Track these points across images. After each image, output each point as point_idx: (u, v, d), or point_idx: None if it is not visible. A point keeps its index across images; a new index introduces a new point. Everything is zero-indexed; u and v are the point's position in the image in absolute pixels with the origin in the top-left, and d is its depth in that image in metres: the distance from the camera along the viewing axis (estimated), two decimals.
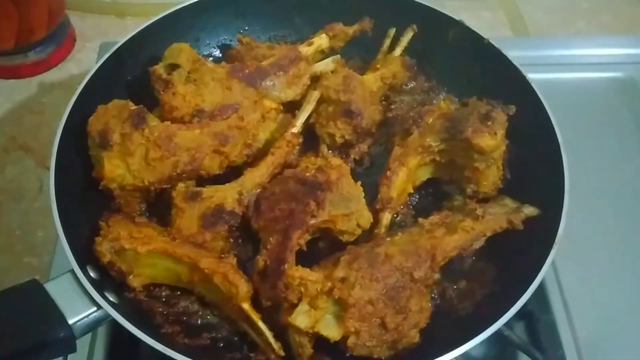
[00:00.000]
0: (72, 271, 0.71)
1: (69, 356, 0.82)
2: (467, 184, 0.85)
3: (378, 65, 1.00)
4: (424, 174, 0.88)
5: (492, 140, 0.80)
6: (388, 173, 0.84)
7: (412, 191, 0.86)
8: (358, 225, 0.77)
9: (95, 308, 0.69)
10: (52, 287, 0.69)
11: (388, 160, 0.85)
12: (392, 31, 1.03)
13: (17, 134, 1.15)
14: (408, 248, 0.74)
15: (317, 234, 0.78)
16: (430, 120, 0.87)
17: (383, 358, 0.70)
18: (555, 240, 0.75)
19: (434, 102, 0.98)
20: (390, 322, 0.69)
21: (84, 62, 1.27)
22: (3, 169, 1.11)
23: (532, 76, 0.91)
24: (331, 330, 0.69)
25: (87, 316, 0.69)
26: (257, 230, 0.77)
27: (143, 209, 0.85)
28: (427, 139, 0.85)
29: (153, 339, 0.67)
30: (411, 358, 0.72)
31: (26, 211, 1.05)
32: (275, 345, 0.71)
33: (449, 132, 0.84)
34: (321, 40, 0.99)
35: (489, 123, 0.81)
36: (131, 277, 0.75)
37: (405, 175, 0.84)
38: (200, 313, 0.79)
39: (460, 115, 0.85)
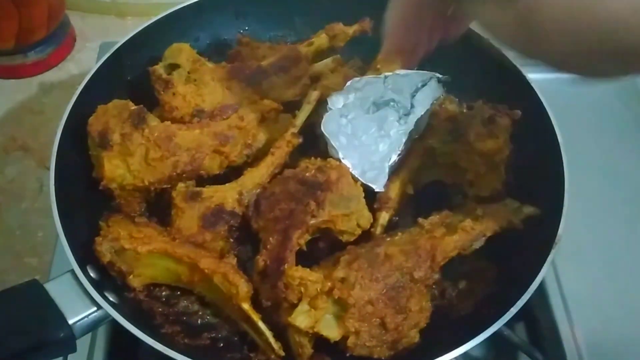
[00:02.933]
0: (72, 271, 0.71)
1: (69, 356, 0.82)
2: (468, 187, 0.85)
3: (378, 66, 1.00)
4: (427, 177, 0.88)
5: (494, 144, 0.80)
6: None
7: (412, 192, 0.85)
8: (358, 226, 0.77)
9: (95, 308, 0.69)
10: (52, 287, 0.69)
11: None
12: None
13: (17, 134, 1.15)
14: (408, 248, 0.74)
15: (317, 234, 0.78)
16: (435, 122, 0.87)
17: (383, 358, 0.70)
18: (555, 240, 0.75)
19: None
20: (390, 322, 0.69)
21: (84, 62, 1.27)
22: (3, 169, 1.11)
23: (532, 76, 0.91)
24: (331, 330, 0.69)
25: (87, 316, 0.69)
26: (257, 230, 0.77)
27: (143, 209, 0.85)
28: (430, 141, 0.85)
29: (153, 339, 0.67)
30: (411, 358, 0.72)
31: (26, 211, 1.05)
32: (276, 345, 0.71)
33: (452, 135, 0.84)
34: (321, 41, 0.99)
35: (492, 127, 0.81)
36: (131, 277, 0.75)
37: (405, 176, 0.84)
38: (200, 313, 0.79)
39: (465, 118, 0.85)
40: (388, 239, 0.76)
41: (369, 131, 0.84)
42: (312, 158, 0.81)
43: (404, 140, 0.84)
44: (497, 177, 0.84)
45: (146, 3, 1.38)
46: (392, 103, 0.85)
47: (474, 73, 0.98)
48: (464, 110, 0.91)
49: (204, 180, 0.83)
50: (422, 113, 0.86)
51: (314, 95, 0.88)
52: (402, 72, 0.86)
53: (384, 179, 0.82)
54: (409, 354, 0.72)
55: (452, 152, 0.85)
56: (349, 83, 0.84)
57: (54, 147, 0.80)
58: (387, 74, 0.86)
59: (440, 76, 0.89)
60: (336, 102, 0.83)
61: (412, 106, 0.86)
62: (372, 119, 0.84)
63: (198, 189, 0.80)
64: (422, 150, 0.85)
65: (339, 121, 0.83)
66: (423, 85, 0.87)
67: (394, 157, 0.83)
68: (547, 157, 0.84)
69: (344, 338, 0.69)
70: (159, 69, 0.86)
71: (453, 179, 0.87)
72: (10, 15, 1.13)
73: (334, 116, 0.83)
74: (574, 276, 0.93)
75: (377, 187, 0.82)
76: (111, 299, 0.72)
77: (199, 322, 0.78)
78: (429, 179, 0.88)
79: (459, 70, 0.99)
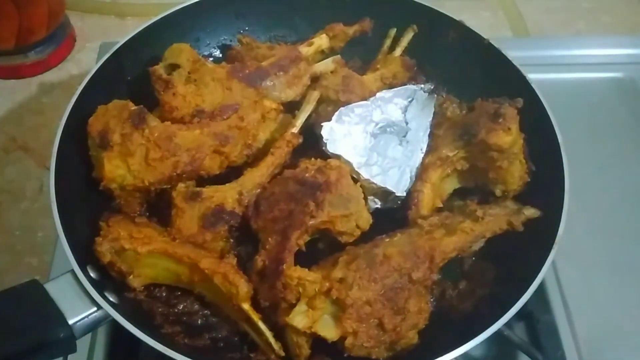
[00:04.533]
0: (72, 271, 0.71)
1: (69, 356, 0.82)
2: (494, 186, 0.85)
3: (378, 66, 1.00)
4: (450, 186, 0.88)
5: (507, 136, 0.80)
6: (413, 193, 0.83)
7: (441, 205, 0.85)
8: (357, 227, 0.77)
9: (95, 308, 0.69)
10: (52, 287, 0.69)
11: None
12: (393, 31, 1.03)
13: (17, 134, 1.15)
14: (407, 249, 0.74)
15: (316, 235, 0.78)
16: (441, 132, 0.87)
17: (381, 359, 0.70)
18: (555, 241, 0.75)
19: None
20: (388, 322, 0.69)
21: (84, 62, 1.27)
22: (3, 169, 1.11)
23: (532, 76, 0.91)
24: (329, 331, 0.69)
25: (87, 316, 0.69)
26: (256, 230, 0.77)
27: (143, 209, 0.85)
28: (443, 151, 0.85)
29: (153, 339, 0.67)
30: (411, 358, 0.72)
31: (26, 211, 1.05)
32: (276, 345, 0.71)
33: (463, 139, 0.84)
34: (321, 41, 0.99)
35: (500, 120, 0.81)
36: (131, 277, 0.75)
37: (430, 191, 0.84)
38: (200, 313, 0.79)
39: (470, 119, 0.85)
40: (387, 239, 0.76)
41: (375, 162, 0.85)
42: (312, 159, 0.81)
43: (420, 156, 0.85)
44: (520, 167, 0.83)
45: (146, 3, 1.38)
46: (389, 129, 0.87)
47: (475, 73, 0.98)
48: (465, 112, 0.91)
49: (204, 180, 0.83)
50: (422, 126, 0.87)
51: (314, 95, 0.88)
52: (387, 92, 0.89)
53: (406, 182, 0.83)
54: (409, 354, 0.72)
55: (467, 156, 0.85)
56: (337, 112, 0.85)
57: (54, 147, 0.80)
58: (372, 98, 0.87)
59: (423, 86, 0.91)
60: (328, 131, 0.83)
61: (407, 123, 0.87)
62: (372, 148, 0.85)
63: (198, 189, 0.80)
64: (438, 163, 0.85)
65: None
66: (411, 101, 0.89)
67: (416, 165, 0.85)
68: (547, 157, 0.84)
69: (342, 338, 0.69)
70: (159, 69, 0.86)
71: (475, 182, 0.87)
72: (10, 15, 1.14)
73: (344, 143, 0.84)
74: (574, 276, 0.93)
75: (399, 192, 0.82)
76: (111, 299, 0.72)
77: (199, 322, 0.78)
78: (453, 188, 0.88)
79: (460, 71, 1.00)
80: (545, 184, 0.82)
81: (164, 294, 0.79)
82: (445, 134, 0.87)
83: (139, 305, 0.77)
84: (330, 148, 0.82)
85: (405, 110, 0.88)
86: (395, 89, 0.91)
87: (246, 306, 0.72)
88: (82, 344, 0.78)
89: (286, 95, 0.92)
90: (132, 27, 0.95)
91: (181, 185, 0.80)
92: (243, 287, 0.71)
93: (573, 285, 0.92)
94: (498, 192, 0.85)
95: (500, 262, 0.82)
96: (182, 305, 0.79)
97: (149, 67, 0.87)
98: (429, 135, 0.87)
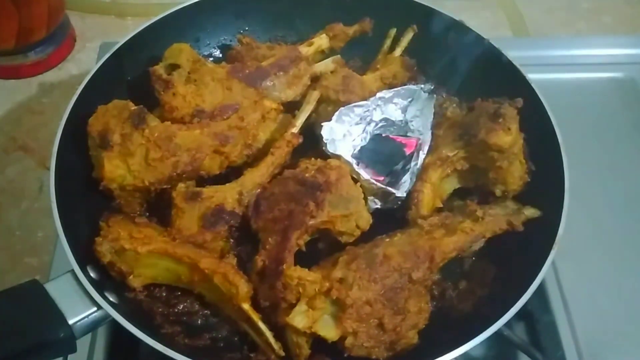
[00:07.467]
0: (72, 271, 0.71)
1: (69, 356, 0.82)
2: (494, 186, 0.85)
3: (378, 66, 1.00)
4: (450, 186, 0.88)
5: (507, 136, 0.80)
6: (414, 193, 0.83)
7: (441, 205, 0.85)
8: (357, 227, 0.77)
9: (95, 308, 0.69)
10: (52, 287, 0.69)
11: None
12: (393, 31, 1.03)
13: (17, 134, 1.15)
14: (407, 249, 0.74)
15: (316, 235, 0.78)
16: (441, 132, 0.87)
17: (381, 359, 0.70)
18: (555, 241, 0.75)
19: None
20: (389, 322, 0.69)
21: (84, 62, 1.27)
22: (3, 169, 1.11)
23: (532, 76, 0.91)
24: (329, 331, 0.69)
25: (87, 316, 0.69)
26: (256, 230, 0.77)
27: (143, 209, 0.85)
28: (443, 151, 0.85)
29: (153, 339, 0.67)
30: (411, 358, 0.72)
31: (26, 211, 1.05)
32: (276, 345, 0.71)
33: (463, 139, 0.84)
34: (321, 41, 0.99)
35: (500, 120, 0.81)
36: (131, 277, 0.75)
37: (430, 191, 0.84)
38: (200, 313, 0.79)
39: (470, 119, 0.85)
40: (387, 239, 0.76)
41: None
42: (312, 159, 0.81)
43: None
44: (520, 167, 0.83)
45: (146, 3, 1.38)
46: (389, 129, 0.87)
47: (475, 73, 0.98)
48: (465, 112, 0.91)
49: (204, 180, 0.83)
50: (422, 125, 0.87)
51: (314, 95, 0.88)
52: (387, 92, 0.89)
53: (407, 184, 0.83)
54: (410, 353, 0.72)
55: (467, 156, 0.85)
56: (337, 112, 0.85)
57: (54, 147, 0.80)
58: (372, 98, 0.87)
59: (423, 86, 0.91)
60: (328, 131, 0.83)
61: (407, 123, 0.87)
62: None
63: (198, 189, 0.80)
64: (438, 163, 0.85)
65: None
66: (411, 101, 0.89)
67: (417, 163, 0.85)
68: (547, 157, 0.84)
69: (342, 338, 0.69)
70: (159, 69, 0.86)
71: (475, 181, 0.87)
72: (10, 15, 1.13)
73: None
74: (574, 276, 0.93)
75: (399, 192, 0.82)
76: (111, 299, 0.72)
77: (199, 322, 0.78)
78: (453, 188, 0.88)
79: (460, 71, 1.00)
80: (545, 184, 0.82)
81: (164, 294, 0.80)
82: (445, 134, 0.87)
83: (139, 305, 0.77)
84: (330, 148, 0.82)
85: (405, 110, 0.88)
86: (395, 89, 0.91)
87: (246, 306, 0.72)
88: (82, 344, 0.78)
89: (286, 95, 0.92)
90: (132, 27, 0.95)
91: (181, 185, 0.80)
92: (243, 287, 0.71)
93: (573, 285, 0.92)
94: (498, 192, 0.85)
95: (500, 262, 0.82)
96: (182, 305, 0.79)
97: (149, 67, 0.87)
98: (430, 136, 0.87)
